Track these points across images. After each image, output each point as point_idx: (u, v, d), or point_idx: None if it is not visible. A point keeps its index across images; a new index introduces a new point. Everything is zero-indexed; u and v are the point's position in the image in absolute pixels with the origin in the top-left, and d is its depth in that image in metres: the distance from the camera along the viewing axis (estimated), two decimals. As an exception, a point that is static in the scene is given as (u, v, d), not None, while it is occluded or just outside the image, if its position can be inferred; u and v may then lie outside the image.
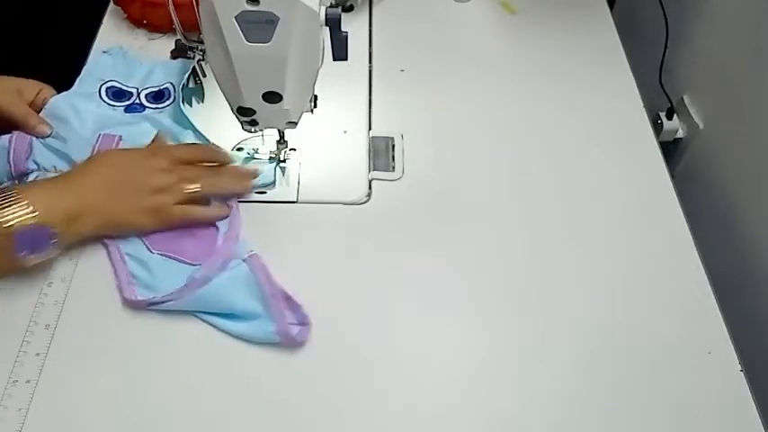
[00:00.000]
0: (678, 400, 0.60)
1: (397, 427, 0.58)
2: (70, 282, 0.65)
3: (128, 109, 0.78)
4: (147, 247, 0.66)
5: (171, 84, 0.80)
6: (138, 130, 0.73)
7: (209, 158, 0.70)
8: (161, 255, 0.66)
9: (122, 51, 0.83)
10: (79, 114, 0.73)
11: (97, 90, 0.78)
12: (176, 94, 0.78)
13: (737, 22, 0.92)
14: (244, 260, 0.64)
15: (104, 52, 0.83)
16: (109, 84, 0.79)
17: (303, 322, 0.62)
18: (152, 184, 0.64)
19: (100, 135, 0.72)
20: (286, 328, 0.60)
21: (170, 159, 0.66)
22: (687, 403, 0.60)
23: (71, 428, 0.57)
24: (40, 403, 0.57)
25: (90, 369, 0.60)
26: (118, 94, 0.78)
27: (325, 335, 0.62)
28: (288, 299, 0.63)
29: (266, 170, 0.74)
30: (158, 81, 0.81)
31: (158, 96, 0.79)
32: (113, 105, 0.77)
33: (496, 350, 0.63)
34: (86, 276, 0.65)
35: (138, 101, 0.78)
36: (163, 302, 0.62)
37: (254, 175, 0.71)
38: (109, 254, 0.66)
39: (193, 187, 0.66)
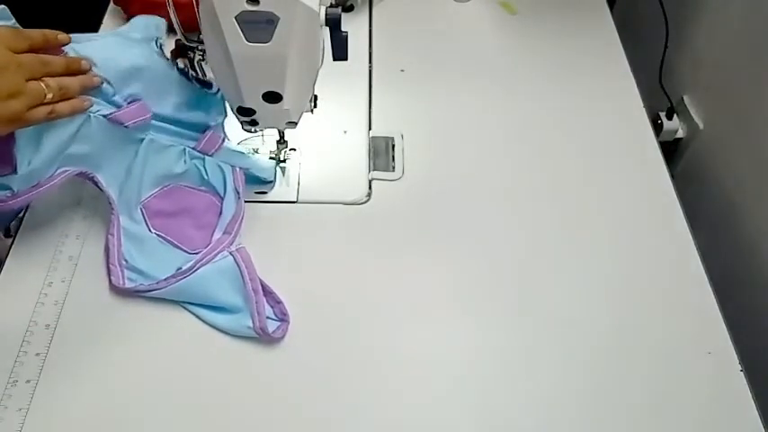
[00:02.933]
0: (678, 400, 0.60)
1: (393, 426, 0.58)
2: (70, 282, 0.65)
3: None
4: (147, 225, 0.67)
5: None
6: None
7: (45, 46, 0.59)
8: (158, 236, 0.67)
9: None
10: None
11: None
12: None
13: (737, 22, 0.92)
14: (230, 253, 0.64)
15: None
16: None
17: (283, 319, 0.63)
18: None
19: None
20: (263, 324, 0.61)
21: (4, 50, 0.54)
22: (687, 403, 0.60)
23: (71, 428, 0.57)
24: (40, 403, 0.57)
25: (90, 369, 0.60)
26: None
27: (324, 333, 0.63)
28: (270, 294, 0.63)
29: (267, 166, 0.74)
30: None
31: None
32: None
33: (497, 350, 0.63)
34: (86, 276, 0.65)
35: None
36: (148, 291, 0.62)
37: (97, 82, 0.61)
38: (108, 227, 0.66)
39: (46, 93, 0.56)
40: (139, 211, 0.67)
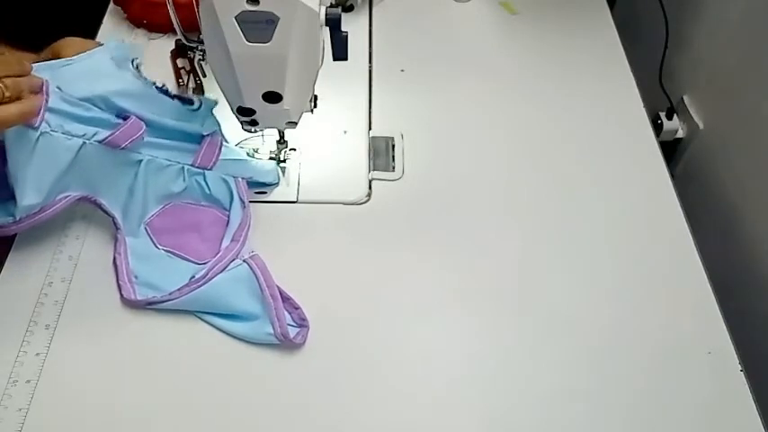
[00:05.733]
0: (678, 400, 0.60)
1: (394, 426, 0.58)
2: (70, 282, 0.65)
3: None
4: (154, 242, 0.67)
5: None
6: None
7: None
8: (166, 251, 0.66)
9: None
10: None
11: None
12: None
13: (737, 22, 0.92)
14: (244, 260, 0.64)
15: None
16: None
17: (302, 324, 0.62)
18: None
19: None
20: (284, 330, 0.60)
21: None
22: (687, 403, 0.60)
23: (71, 428, 0.57)
24: (40, 403, 0.57)
25: (90, 369, 0.60)
26: None
27: (325, 334, 0.63)
28: (287, 300, 0.63)
29: (269, 169, 0.74)
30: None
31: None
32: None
33: (497, 350, 0.63)
34: (86, 276, 0.65)
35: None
36: (162, 302, 0.62)
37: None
38: (115, 247, 0.66)
39: (4, 92, 0.54)
40: (144, 230, 0.67)
